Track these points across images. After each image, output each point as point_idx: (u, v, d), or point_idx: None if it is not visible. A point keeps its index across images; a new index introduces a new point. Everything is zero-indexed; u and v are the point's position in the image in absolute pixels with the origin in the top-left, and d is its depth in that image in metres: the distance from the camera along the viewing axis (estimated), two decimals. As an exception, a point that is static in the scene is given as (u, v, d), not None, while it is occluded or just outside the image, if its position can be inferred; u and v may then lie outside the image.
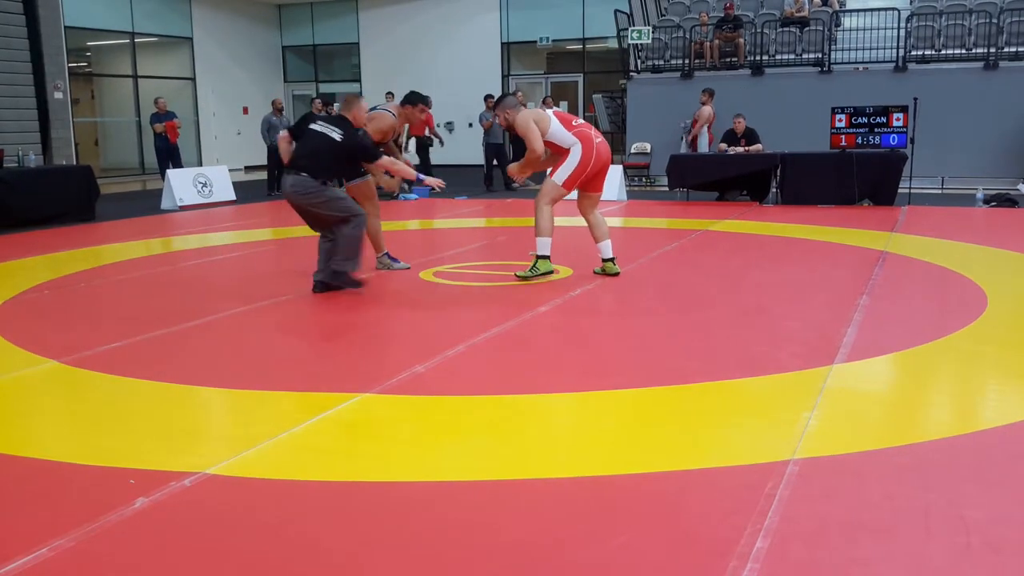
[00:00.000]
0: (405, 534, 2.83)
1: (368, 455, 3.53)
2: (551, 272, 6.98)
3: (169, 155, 15.86)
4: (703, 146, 14.66)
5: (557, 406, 4.12)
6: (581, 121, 6.99)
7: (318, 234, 6.63)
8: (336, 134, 6.39)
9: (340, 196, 6.52)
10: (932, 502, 3.00)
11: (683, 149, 14.88)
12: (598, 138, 6.88)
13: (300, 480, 3.27)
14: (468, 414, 4.03)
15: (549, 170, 6.95)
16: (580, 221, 7.38)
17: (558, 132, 6.77)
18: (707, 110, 14.67)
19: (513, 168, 7.24)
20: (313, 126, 6.47)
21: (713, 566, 2.58)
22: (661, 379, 4.47)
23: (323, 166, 6.38)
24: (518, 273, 7.03)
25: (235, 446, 3.59)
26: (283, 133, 6.80)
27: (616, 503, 3.04)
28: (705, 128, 14.77)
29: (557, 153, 6.88)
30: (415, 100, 7.32)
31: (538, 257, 6.92)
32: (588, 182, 6.93)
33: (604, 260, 7.15)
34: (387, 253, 7.64)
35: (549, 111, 7.03)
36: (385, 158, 6.61)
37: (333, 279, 6.49)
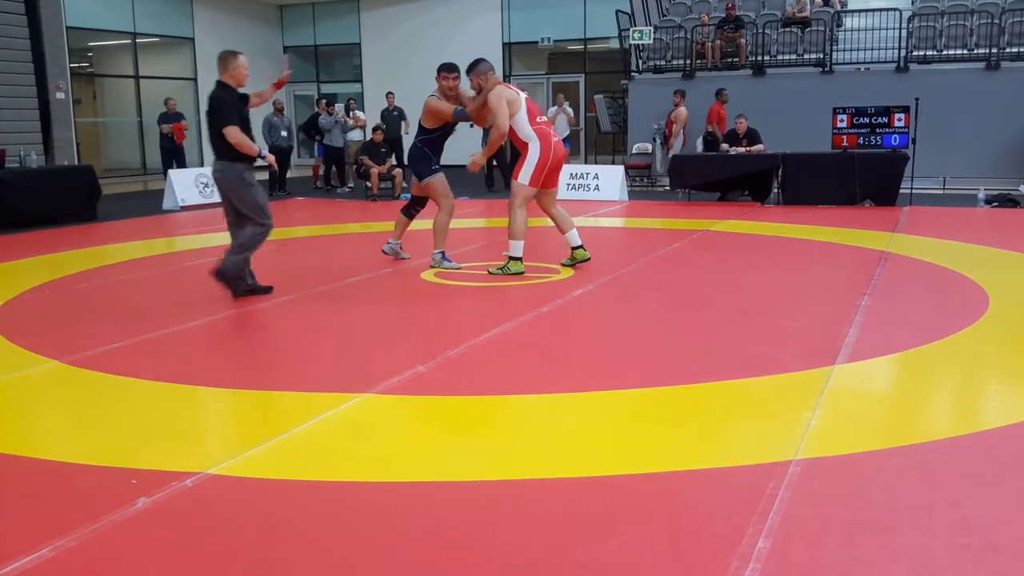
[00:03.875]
0: (405, 534, 2.83)
1: (368, 455, 3.52)
2: (521, 273, 7.16)
3: (174, 156, 15.87)
4: (676, 148, 14.71)
5: (558, 406, 4.11)
6: (544, 119, 7.33)
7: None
8: None
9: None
10: (934, 502, 2.99)
11: (658, 151, 14.98)
12: (555, 137, 7.25)
13: (300, 480, 3.26)
14: (468, 414, 4.03)
15: (512, 172, 7.28)
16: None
17: (522, 122, 7.10)
18: (683, 111, 14.74)
19: (477, 158, 7.33)
20: None
21: (715, 566, 2.58)
22: (662, 379, 4.46)
23: None
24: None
25: (236, 446, 3.58)
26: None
27: (617, 503, 3.03)
28: (680, 130, 14.84)
29: (515, 143, 7.21)
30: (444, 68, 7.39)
31: (511, 258, 7.17)
32: (546, 179, 7.27)
33: (573, 248, 7.51)
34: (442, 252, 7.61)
35: (522, 95, 7.26)
36: None
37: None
